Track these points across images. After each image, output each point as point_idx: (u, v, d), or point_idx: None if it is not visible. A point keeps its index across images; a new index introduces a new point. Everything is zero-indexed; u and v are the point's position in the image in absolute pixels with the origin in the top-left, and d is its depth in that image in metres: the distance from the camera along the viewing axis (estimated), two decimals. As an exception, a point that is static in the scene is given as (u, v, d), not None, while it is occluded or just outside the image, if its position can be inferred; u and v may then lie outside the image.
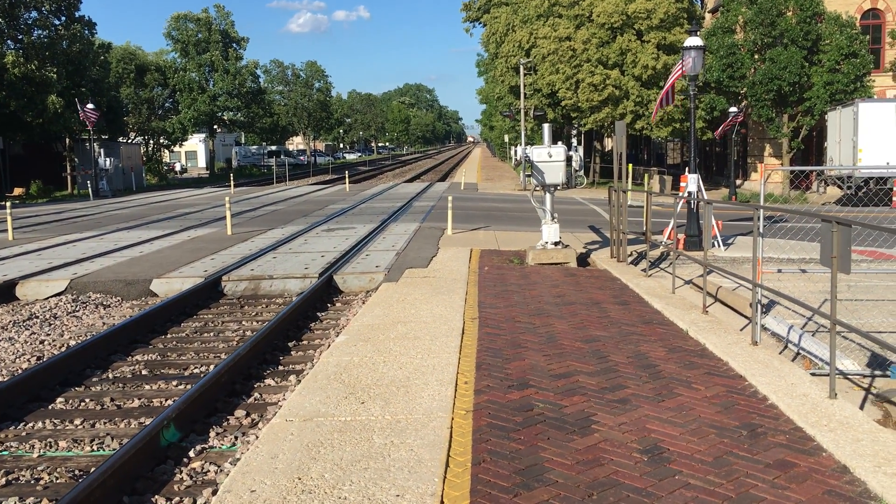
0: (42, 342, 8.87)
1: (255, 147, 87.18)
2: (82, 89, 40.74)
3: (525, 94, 41.18)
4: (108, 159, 38.98)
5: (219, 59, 63.00)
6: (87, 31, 42.42)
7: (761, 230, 7.37)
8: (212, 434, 5.88)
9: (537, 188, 13.25)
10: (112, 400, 6.75)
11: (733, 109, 32.64)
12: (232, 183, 42.71)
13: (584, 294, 10.10)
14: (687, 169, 15.53)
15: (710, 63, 33.72)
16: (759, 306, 7.35)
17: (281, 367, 7.73)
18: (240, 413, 6.33)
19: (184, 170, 78.68)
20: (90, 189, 36.34)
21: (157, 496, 4.85)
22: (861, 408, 6.22)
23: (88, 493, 4.41)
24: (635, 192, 23.08)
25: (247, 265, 12.78)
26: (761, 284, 7.34)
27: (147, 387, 7.16)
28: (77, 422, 6.24)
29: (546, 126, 13.49)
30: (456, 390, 5.93)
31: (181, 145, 66.16)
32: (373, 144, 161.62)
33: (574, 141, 35.99)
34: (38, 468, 5.28)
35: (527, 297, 9.78)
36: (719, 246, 14.67)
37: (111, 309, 10.82)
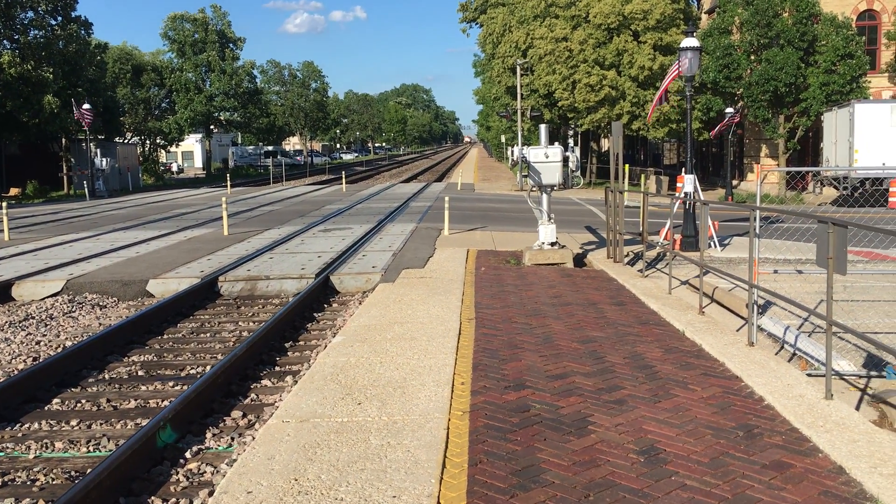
0: (38, 343, 8.86)
1: (251, 147, 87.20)
2: (79, 89, 40.68)
3: (522, 94, 41.22)
4: (104, 159, 38.85)
5: (215, 59, 62.92)
6: (83, 32, 42.43)
7: (758, 231, 7.38)
8: (208, 435, 5.88)
9: (534, 189, 13.25)
10: (108, 401, 6.74)
11: (730, 110, 32.63)
12: (228, 183, 42.62)
13: (580, 295, 10.11)
14: (683, 169, 15.56)
15: (707, 64, 33.75)
16: (755, 307, 7.37)
17: (277, 368, 7.72)
18: (236, 414, 6.33)
19: (180, 170, 78.52)
20: (86, 189, 36.22)
21: (153, 497, 4.84)
22: (857, 408, 6.23)
23: (84, 494, 4.41)
24: (632, 192, 23.09)
25: (243, 266, 12.77)
26: (757, 285, 7.35)
27: (143, 388, 7.15)
28: (73, 423, 6.23)
29: (543, 126, 13.50)
30: (452, 391, 5.93)
31: (178, 145, 66.18)
32: (369, 145, 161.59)
33: (571, 141, 35.71)
34: (35, 469, 5.27)
35: (523, 298, 9.79)
36: (716, 246, 14.69)
37: (107, 309, 10.81)
